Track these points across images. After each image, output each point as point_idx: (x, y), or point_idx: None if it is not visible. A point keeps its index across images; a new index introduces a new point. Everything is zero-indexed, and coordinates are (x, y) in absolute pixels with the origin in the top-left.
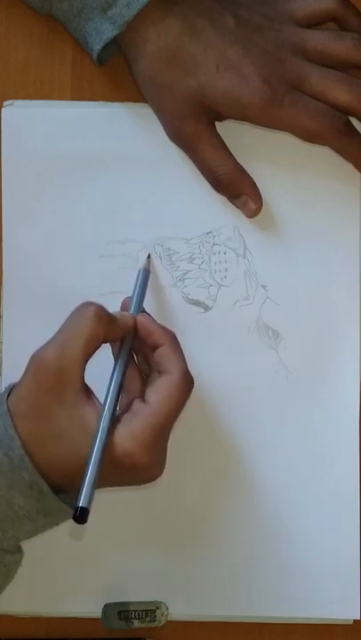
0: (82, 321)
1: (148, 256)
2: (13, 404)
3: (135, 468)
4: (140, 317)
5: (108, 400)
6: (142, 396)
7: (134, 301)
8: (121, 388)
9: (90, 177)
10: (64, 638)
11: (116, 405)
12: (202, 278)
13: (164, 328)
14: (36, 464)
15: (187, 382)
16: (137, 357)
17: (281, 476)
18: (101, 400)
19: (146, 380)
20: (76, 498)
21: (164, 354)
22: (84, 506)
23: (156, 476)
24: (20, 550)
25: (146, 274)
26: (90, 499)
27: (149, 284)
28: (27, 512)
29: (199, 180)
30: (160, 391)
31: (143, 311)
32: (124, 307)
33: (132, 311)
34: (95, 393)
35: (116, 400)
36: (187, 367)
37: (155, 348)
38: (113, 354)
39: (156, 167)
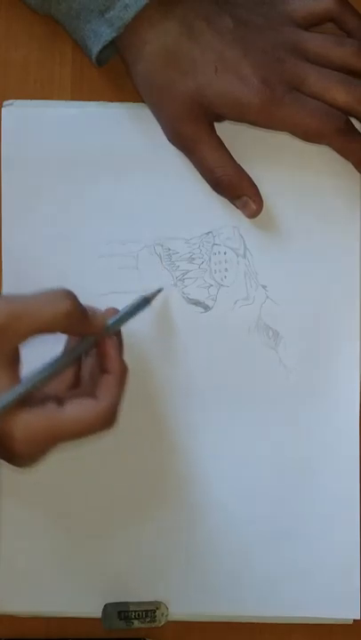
0: (50, 307)
1: (160, 290)
2: None
3: (9, 451)
4: (107, 339)
5: (26, 381)
6: (61, 401)
7: (116, 318)
8: (50, 377)
9: (90, 177)
10: (64, 638)
11: (32, 388)
12: (202, 278)
13: (122, 360)
14: None
15: (106, 419)
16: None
17: (281, 475)
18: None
19: (76, 385)
20: None
21: (107, 382)
22: None
23: (21, 466)
24: None
25: (143, 302)
26: None
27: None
28: None
29: (199, 181)
30: (79, 409)
31: (118, 333)
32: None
33: (108, 325)
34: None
35: (37, 384)
36: (116, 407)
37: (104, 371)
38: (66, 343)
39: (155, 167)
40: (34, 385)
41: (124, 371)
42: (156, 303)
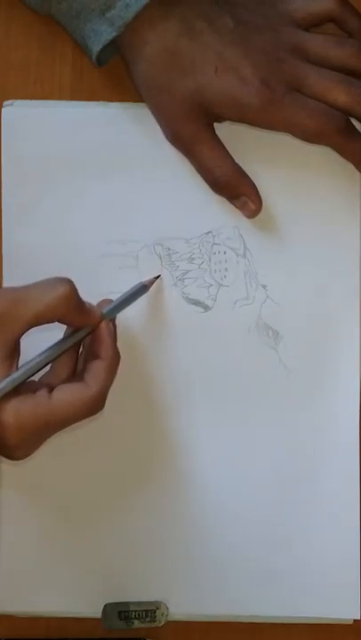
0: (50, 291)
1: (158, 277)
2: None
3: (1, 439)
4: (103, 324)
5: (21, 368)
6: (52, 389)
7: (113, 305)
8: (44, 364)
9: (90, 177)
10: (64, 638)
11: (28, 377)
12: (202, 278)
13: (115, 347)
14: None
15: (95, 404)
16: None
17: (281, 475)
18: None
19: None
20: None
21: (97, 367)
22: None
23: (16, 458)
24: None
25: (141, 289)
26: None
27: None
28: None
29: (199, 180)
30: (68, 394)
31: (113, 320)
32: (101, 304)
33: (104, 312)
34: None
35: (31, 373)
36: (105, 394)
37: (96, 357)
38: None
39: (155, 167)
40: (26, 373)
41: (115, 358)
42: (155, 302)
